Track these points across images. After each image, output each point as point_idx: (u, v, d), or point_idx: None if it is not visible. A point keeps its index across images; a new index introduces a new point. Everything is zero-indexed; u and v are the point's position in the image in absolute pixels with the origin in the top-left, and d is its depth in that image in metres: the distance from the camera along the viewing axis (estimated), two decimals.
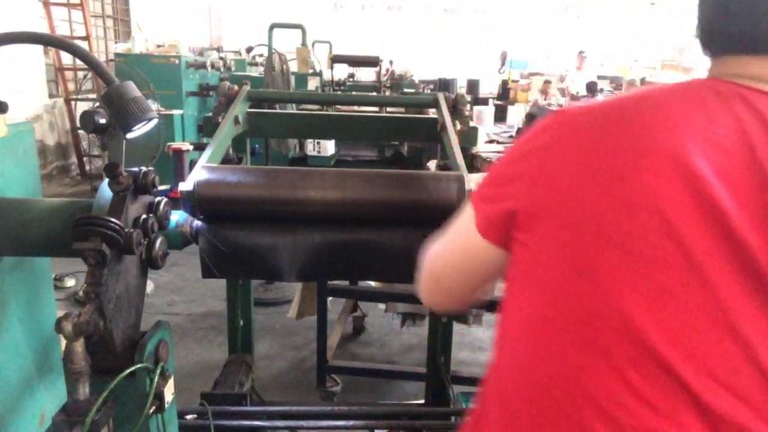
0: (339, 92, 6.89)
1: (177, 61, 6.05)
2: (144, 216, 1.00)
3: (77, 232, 0.86)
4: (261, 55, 8.47)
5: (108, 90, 1.20)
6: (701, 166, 0.54)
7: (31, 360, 1.41)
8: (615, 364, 0.56)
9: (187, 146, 5.16)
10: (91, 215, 0.87)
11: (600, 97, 10.00)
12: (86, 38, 7.19)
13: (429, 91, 8.40)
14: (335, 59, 7.00)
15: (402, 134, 1.74)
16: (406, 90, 7.94)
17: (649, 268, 0.55)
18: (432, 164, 3.07)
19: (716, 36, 0.66)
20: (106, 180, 1.01)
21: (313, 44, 7.46)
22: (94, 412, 0.86)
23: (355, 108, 3.42)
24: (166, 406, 0.98)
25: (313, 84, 6.36)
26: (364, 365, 2.53)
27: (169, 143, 4.51)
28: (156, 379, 0.95)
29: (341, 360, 2.55)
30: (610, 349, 0.56)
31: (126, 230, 0.90)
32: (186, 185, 1.19)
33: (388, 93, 7.05)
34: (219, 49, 8.46)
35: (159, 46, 6.70)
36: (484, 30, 16.55)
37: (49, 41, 1.46)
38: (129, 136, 1.24)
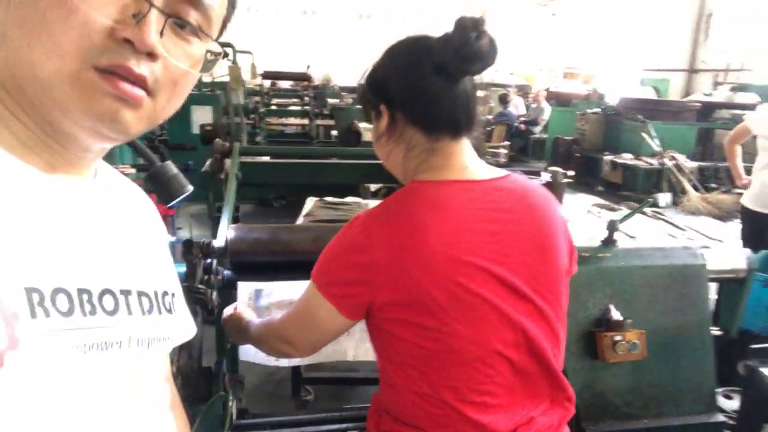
0: (272, 105, 7.03)
1: None
2: (206, 276, 1.29)
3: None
4: None
5: (153, 170, 1.45)
6: (472, 252, 0.96)
7: None
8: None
9: (129, 170, 5.21)
10: (191, 286, 1.15)
11: (511, 107, 10.78)
12: None
13: (351, 100, 8.60)
14: (266, 75, 7.19)
15: (378, 176, 2.09)
16: (329, 99, 8.13)
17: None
18: None
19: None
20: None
21: (234, 54, 7.55)
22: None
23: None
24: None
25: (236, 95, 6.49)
26: (334, 374, 2.83)
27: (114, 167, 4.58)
28: (230, 404, 1.23)
29: (309, 371, 2.83)
30: None
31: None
32: (218, 242, 1.46)
33: (310, 100, 7.10)
34: None
35: None
36: (398, 37, 16.97)
37: None
38: (168, 206, 1.50)
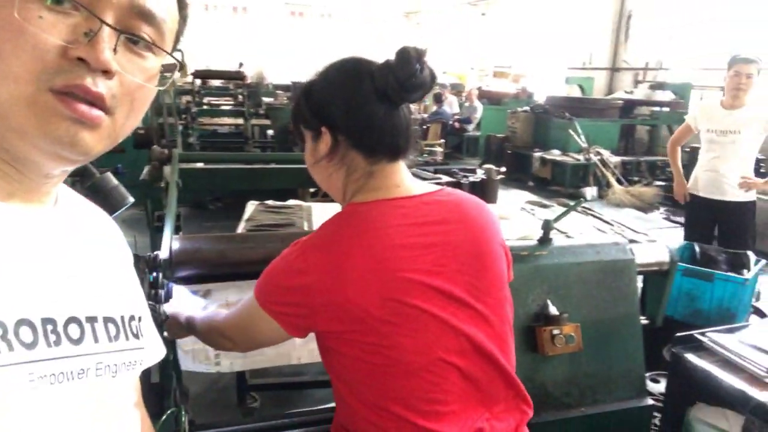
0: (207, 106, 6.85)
1: None
2: (153, 291, 1.26)
3: None
4: None
5: (93, 182, 1.41)
6: (411, 268, 0.98)
7: None
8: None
9: None
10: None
11: (445, 106, 10.98)
12: None
13: (286, 99, 8.48)
14: (196, 74, 7.03)
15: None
16: (264, 98, 7.98)
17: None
18: None
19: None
20: None
21: None
22: None
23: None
24: None
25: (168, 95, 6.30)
26: (280, 380, 2.82)
27: None
28: (184, 418, 1.22)
29: (254, 377, 2.81)
30: None
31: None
32: (163, 254, 1.44)
33: (244, 99, 6.96)
34: None
35: None
36: (331, 34, 16.90)
37: None
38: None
